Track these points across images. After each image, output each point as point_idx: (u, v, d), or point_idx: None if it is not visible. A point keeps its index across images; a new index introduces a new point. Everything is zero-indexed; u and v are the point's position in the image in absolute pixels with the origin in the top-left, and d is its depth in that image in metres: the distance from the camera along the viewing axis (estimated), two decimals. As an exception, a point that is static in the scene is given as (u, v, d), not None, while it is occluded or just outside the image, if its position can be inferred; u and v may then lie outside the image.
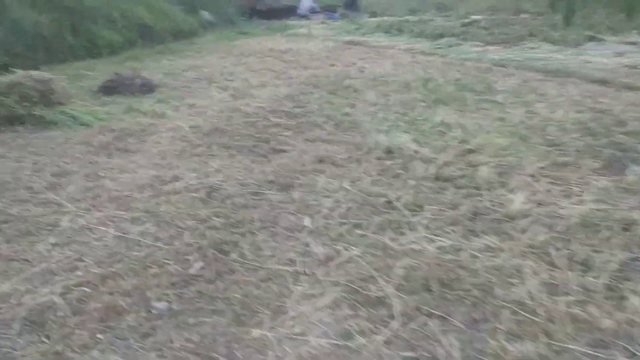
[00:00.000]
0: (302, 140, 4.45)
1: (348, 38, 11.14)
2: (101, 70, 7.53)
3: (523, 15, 14.74)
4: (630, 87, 6.46)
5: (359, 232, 2.89)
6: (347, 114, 5.18)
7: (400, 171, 3.71)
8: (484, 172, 3.59)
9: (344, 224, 2.98)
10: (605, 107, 5.37)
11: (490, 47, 9.69)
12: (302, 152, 4.16)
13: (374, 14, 17.03)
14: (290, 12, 18.46)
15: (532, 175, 3.63)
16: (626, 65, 7.88)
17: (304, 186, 3.52)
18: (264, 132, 4.67)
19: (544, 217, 3.02)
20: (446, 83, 6.44)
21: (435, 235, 2.86)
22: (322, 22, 14.75)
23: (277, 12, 18.16)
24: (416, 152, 4.00)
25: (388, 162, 3.86)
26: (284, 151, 4.20)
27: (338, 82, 6.64)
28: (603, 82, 6.80)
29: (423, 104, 5.50)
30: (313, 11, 17.94)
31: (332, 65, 7.92)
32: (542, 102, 5.60)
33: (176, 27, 11.12)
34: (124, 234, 2.92)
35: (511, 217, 3.04)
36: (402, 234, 2.88)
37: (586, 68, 7.60)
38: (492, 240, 2.79)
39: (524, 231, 2.88)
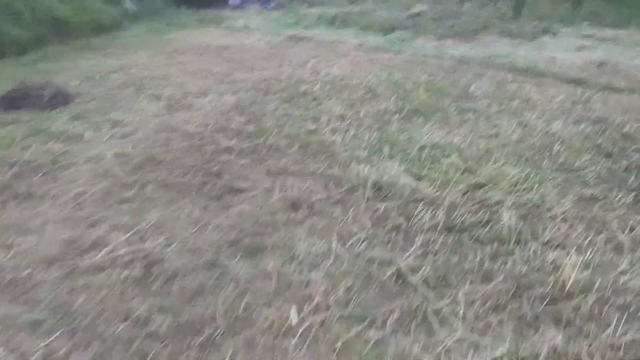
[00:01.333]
0: (263, 172, 3.51)
1: (291, 32, 10.16)
2: (4, 75, 6.23)
3: (467, 5, 14.29)
4: (611, 88, 5.93)
5: (372, 334, 2.02)
6: (312, 132, 4.28)
7: (400, 220, 2.86)
8: (506, 217, 2.80)
9: (349, 319, 2.10)
10: (601, 115, 4.76)
11: (446, 42, 9.03)
12: (267, 191, 3.23)
13: (312, 4, 16.09)
14: (221, 1, 17.21)
15: (564, 220, 2.88)
16: (593, 62, 7.41)
17: (278, 249, 2.60)
18: (213, 162, 3.69)
19: (611, 293, 2.27)
20: (416, 87, 5.66)
21: (479, 333, 2.03)
22: (259, 13, 13.67)
23: (207, 2, 16.87)
24: (413, 189, 3.16)
25: (381, 206, 3.00)
26: (243, 190, 3.25)
27: (293, 87, 5.70)
28: (580, 82, 6.25)
29: (399, 115, 4.68)
30: (246, 0, 16.78)
31: (281, 65, 6.96)
32: (530, 110, 4.91)
33: (96, 20, 9.74)
34: (20, 358, 1.91)
35: (568, 293, 2.26)
36: (432, 334, 2.03)
37: (556, 66, 7.05)
38: (557, 339, 1.99)
39: (594, 320, 2.10)
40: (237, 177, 3.44)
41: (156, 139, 4.11)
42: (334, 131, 4.31)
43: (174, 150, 3.88)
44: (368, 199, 3.09)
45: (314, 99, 5.28)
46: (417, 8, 13.76)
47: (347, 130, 4.31)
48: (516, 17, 11.26)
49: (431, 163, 3.57)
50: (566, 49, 8.38)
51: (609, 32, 9.66)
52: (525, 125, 4.46)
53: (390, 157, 3.67)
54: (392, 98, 5.16)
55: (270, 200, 3.11)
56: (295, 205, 3.03)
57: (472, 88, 5.75)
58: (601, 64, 7.28)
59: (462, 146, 3.85)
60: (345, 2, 16.54)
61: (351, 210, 2.97)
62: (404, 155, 3.69)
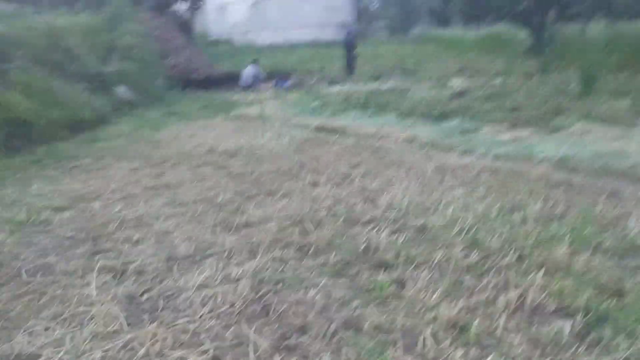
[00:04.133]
0: None
1: (317, 121, 8.13)
2: None
3: (512, 78, 12.35)
4: None
5: None
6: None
7: None
8: None
9: None
10: None
11: (521, 133, 6.91)
12: None
13: (333, 82, 14.27)
14: (231, 80, 15.49)
15: None
16: None
17: None
18: None
19: None
20: (544, 235, 3.43)
21: None
22: (274, 95, 11.71)
23: (215, 81, 15.15)
24: None
25: None
26: None
27: (343, 235, 3.50)
28: None
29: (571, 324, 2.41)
30: (258, 79, 15.02)
31: (315, 184, 4.80)
32: None
33: (72, 116, 7.78)
34: None
35: None
36: None
37: None
38: None
39: None
40: None
41: None
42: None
43: None
44: None
45: (386, 269, 3.06)
46: (458, 84, 11.88)
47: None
48: (587, 94, 9.16)
49: None
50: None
51: None
52: None
53: None
54: (529, 274, 2.90)
55: None
56: None
57: (634, 231, 3.50)
58: None
59: None
60: (369, 78, 14.75)
61: None
62: None
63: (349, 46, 16.08)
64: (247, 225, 3.85)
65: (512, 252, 3.17)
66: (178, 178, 5.17)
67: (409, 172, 5.08)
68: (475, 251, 3.22)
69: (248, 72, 14.93)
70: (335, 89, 12.67)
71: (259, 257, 3.26)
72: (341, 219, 3.85)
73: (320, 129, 7.62)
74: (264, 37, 28.91)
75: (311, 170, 5.25)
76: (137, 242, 3.59)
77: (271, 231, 3.67)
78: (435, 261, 3.10)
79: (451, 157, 5.77)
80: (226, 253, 3.36)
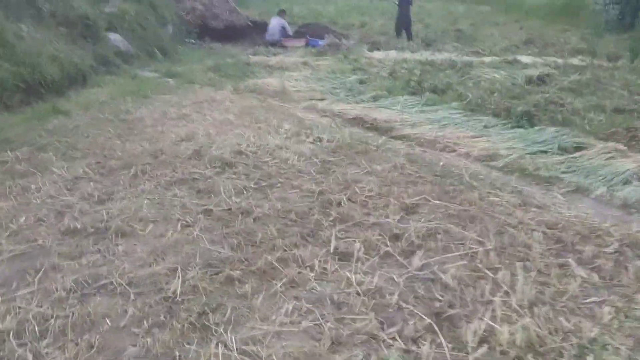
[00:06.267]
0: None
1: (355, 109, 6.04)
2: None
3: (596, 62, 9.93)
4: None
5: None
6: None
7: None
8: None
9: None
10: None
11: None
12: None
13: (375, 46, 11.98)
14: (257, 32, 13.33)
15: None
16: None
17: None
18: None
19: None
20: None
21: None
22: (303, 60, 9.49)
23: (237, 33, 13.01)
24: None
25: None
26: None
27: None
28: None
29: None
30: (285, 35, 12.78)
31: (344, 256, 2.80)
32: None
33: (29, 75, 5.86)
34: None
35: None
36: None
37: None
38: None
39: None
40: None
41: None
42: None
43: None
44: None
45: None
46: (530, 63, 9.53)
47: None
48: None
49: None
50: None
51: None
52: None
53: None
54: None
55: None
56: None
57: None
58: None
59: None
60: (419, 45, 12.41)
61: None
62: None
63: (404, 3, 13.48)
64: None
65: None
66: (127, 212, 3.23)
67: (502, 238, 3.04)
68: None
69: (274, 24, 12.72)
70: (379, 55, 10.45)
71: None
72: (392, 390, 1.88)
73: (358, 122, 5.55)
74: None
75: (340, 218, 3.23)
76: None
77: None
78: None
79: (557, 202, 3.69)
80: None
